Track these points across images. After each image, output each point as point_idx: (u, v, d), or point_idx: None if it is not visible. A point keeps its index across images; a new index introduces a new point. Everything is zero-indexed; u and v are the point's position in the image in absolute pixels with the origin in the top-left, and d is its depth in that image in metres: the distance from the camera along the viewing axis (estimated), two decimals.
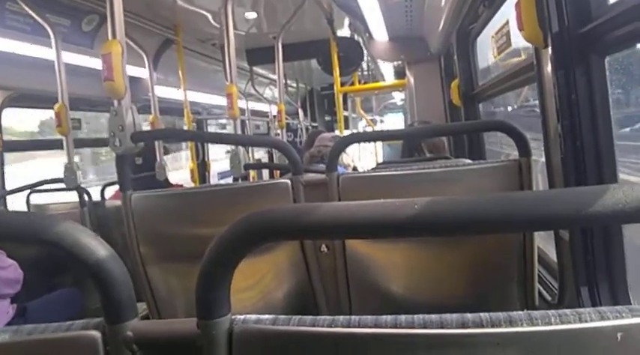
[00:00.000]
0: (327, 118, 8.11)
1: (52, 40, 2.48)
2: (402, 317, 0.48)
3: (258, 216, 0.49)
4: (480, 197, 0.44)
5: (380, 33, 3.86)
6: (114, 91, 1.56)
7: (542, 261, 1.65)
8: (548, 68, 1.33)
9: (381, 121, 10.34)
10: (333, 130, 6.82)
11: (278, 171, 4.20)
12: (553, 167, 1.39)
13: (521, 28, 1.40)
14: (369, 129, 8.62)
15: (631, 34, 1.10)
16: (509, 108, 3.62)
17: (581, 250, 1.25)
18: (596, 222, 0.42)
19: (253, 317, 0.51)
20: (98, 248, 0.52)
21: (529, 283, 1.38)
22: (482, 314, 0.47)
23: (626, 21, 1.09)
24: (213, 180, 5.48)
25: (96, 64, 3.04)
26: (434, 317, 0.47)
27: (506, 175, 1.40)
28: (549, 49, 1.30)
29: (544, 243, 1.67)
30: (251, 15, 3.86)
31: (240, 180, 2.80)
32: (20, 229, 0.52)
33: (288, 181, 1.46)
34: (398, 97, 9.00)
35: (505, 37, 2.10)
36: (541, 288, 1.52)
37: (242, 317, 0.52)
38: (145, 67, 3.55)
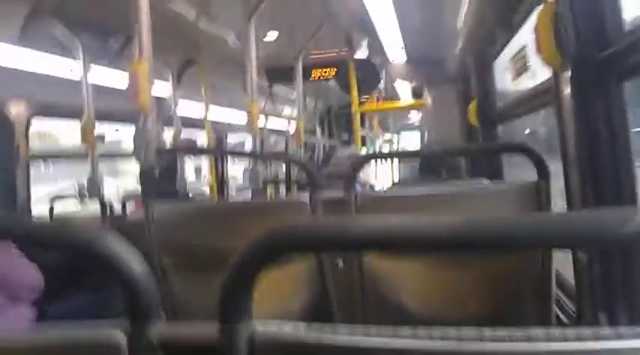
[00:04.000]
0: (345, 137, 8.15)
1: (80, 55, 2.57)
2: (421, 330, 0.49)
3: (283, 230, 0.51)
4: (503, 216, 0.45)
5: (397, 54, 3.91)
6: (140, 108, 1.61)
7: (560, 283, 1.64)
8: (567, 91, 1.34)
9: (398, 141, 10.34)
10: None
11: (295, 187, 4.22)
12: (571, 190, 1.39)
13: (539, 51, 1.42)
14: (385, 147, 8.64)
15: None
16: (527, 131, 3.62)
17: (599, 274, 1.25)
18: (615, 243, 0.43)
19: (274, 323, 0.53)
20: (121, 249, 0.54)
21: (546, 304, 1.37)
22: (500, 329, 0.48)
23: None
24: (232, 195, 5.52)
25: (120, 82, 3.13)
26: (452, 331, 0.48)
27: (524, 197, 1.40)
28: (567, 73, 1.31)
29: (561, 264, 1.66)
30: (271, 36, 3.94)
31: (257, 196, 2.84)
32: (46, 234, 0.54)
33: (307, 199, 1.48)
34: (414, 117, 9.02)
35: (523, 60, 2.12)
36: (558, 311, 1.51)
37: (264, 322, 0.53)
38: (168, 86, 3.64)
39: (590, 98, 1.26)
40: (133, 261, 0.54)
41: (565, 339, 0.46)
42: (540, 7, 1.42)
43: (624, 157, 1.25)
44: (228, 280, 0.51)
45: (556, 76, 1.39)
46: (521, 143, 1.52)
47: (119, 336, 0.55)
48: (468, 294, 1.40)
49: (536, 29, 1.40)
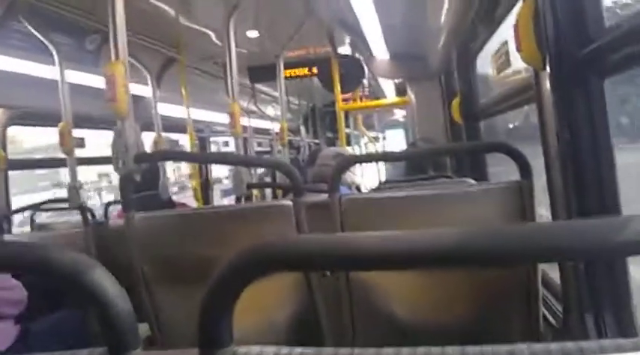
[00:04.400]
0: (329, 135, 8.15)
1: (56, 59, 2.51)
2: (404, 350, 0.48)
3: (260, 248, 0.49)
4: (488, 229, 0.44)
5: (380, 51, 3.90)
6: (117, 112, 1.57)
7: (547, 284, 1.65)
8: (547, 89, 1.34)
9: (384, 138, 10.37)
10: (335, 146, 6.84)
11: (281, 190, 4.21)
12: (554, 187, 1.39)
13: (519, 50, 1.41)
14: (370, 145, 8.66)
15: (628, 57, 1.11)
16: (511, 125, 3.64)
17: (585, 278, 1.25)
18: (604, 254, 0.42)
19: (256, 349, 0.52)
20: (103, 282, 0.52)
21: (533, 308, 1.37)
22: (484, 347, 0.47)
23: (623, 44, 1.10)
24: (216, 197, 5.49)
25: (99, 82, 3.08)
26: (435, 350, 0.47)
27: (507, 197, 1.40)
28: (547, 71, 1.31)
29: (548, 266, 1.66)
30: (253, 33, 3.90)
31: (242, 199, 2.81)
32: (24, 260, 0.52)
33: (291, 203, 1.46)
34: (399, 114, 9.04)
35: (504, 56, 2.12)
36: (545, 312, 1.51)
37: (245, 348, 0.52)
38: (147, 85, 3.59)
39: (570, 96, 1.26)
40: (113, 292, 0.52)
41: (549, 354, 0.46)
42: (520, 4, 1.42)
43: (605, 154, 1.25)
44: (206, 304, 0.49)
45: (536, 73, 1.39)
46: (503, 143, 1.51)
47: None
48: (455, 299, 1.40)
49: (516, 27, 1.39)
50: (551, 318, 1.52)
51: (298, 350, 0.50)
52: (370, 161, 1.75)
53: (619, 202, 1.24)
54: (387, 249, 0.46)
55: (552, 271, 1.63)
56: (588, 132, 1.25)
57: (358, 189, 2.80)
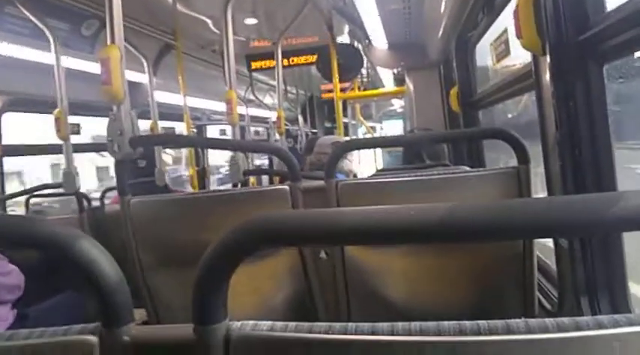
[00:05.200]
0: (327, 125, 8.13)
1: (52, 45, 2.49)
2: (399, 325, 0.47)
3: (254, 223, 0.49)
4: (479, 204, 0.44)
5: (379, 40, 3.88)
6: (112, 96, 1.56)
7: (542, 268, 1.65)
8: (547, 76, 1.33)
9: (381, 128, 10.36)
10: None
11: (278, 178, 4.21)
12: (552, 174, 1.39)
13: (519, 36, 1.40)
14: (368, 135, 8.64)
15: (628, 42, 1.10)
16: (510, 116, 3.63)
17: (580, 259, 1.25)
18: (598, 230, 0.42)
19: (250, 323, 0.51)
20: (94, 252, 0.52)
21: (528, 291, 1.38)
22: (480, 321, 0.47)
23: (622, 29, 1.09)
24: (213, 185, 5.48)
25: (96, 68, 3.05)
26: (431, 324, 0.47)
27: (504, 182, 1.40)
28: (547, 57, 1.30)
29: (544, 250, 1.66)
30: (251, 21, 3.88)
31: (239, 186, 2.81)
32: (16, 232, 0.52)
33: (287, 187, 1.45)
34: (397, 104, 9.03)
35: (504, 44, 2.10)
36: (540, 296, 1.52)
37: (239, 323, 0.51)
38: (144, 72, 3.56)
39: (570, 81, 1.25)
40: (105, 263, 0.52)
41: (545, 330, 0.46)
42: None
43: (604, 140, 1.24)
44: (199, 280, 0.49)
45: (536, 60, 1.38)
46: (500, 129, 1.51)
47: (92, 340, 0.53)
48: (451, 281, 1.40)
49: (516, 13, 1.38)
50: (546, 303, 1.52)
51: (292, 324, 0.50)
52: (367, 147, 1.75)
53: (617, 188, 1.23)
54: (380, 222, 0.46)
55: (549, 258, 1.63)
56: (587, 118, 1.24)
57: (355, 176, 2.79)
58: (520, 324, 0.46)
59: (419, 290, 1.43)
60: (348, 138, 5.52)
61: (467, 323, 0.46)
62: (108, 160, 2.58)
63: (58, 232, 0.52)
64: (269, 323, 0.51)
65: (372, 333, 0.48)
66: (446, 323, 0.47)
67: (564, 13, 1.27)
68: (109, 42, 1.60)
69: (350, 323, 0.49)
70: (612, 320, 0.45)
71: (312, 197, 1.48)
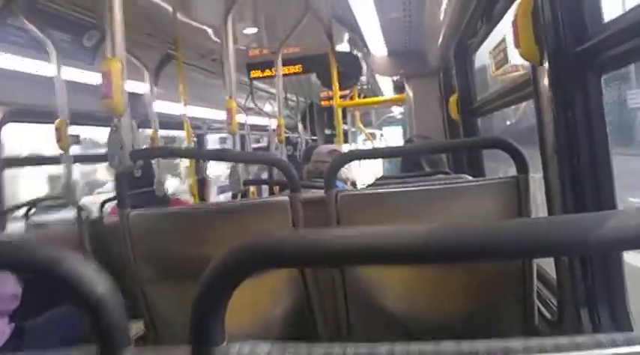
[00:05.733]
0: (327, 132, 8.14)
1: (53, 56, 2.50)
2: (398, 346, 0.47)
3: (254, 244, 0.48)
4: (479, 225, 0.44)
5: (379, 48, 3.89)
6: (113, 109, 1.56)
7: (542, 278, 1.64)
8: (545, 85, 1.33)
9: (381, 135, 10.37)
10: (332, 144, 6.84)
11: (278, 186, 4.21)
12: (551, 183, 1.39)
13: (517, 45, 1.41)
14: (368, 142, 8.65)
15: (626, 53, 1.11)
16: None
17: (580, 272, 1.25)
18: (597, 249, 0.42)
19: (248, 346, 0.51)
20: (85, 271, 0.51)
21: (528, 302, 1.37)
22: (478, 342, 0.47)
23: (620, 40, 1.09)
24: (213, 194, 5.48)
25: (96, 78, 3.07)
26: (430, 346, 0.47)
27: (504, 192, 1.40)
28: (546, 67, 1.31)
29: (543, 259, 1.66)
30: (251, 30, 3.89)
31: (239, 196, 2.81)
32: (9, 259, 0.51)
33: (287, 199, 1.45)
34: (397, 111, 9.04)
35: (503, 53, 2.11)
36: (540, 306, 1.51)
37: (237, 345, 0.51)
38: (145, 82, 3.58)
39: (568, 91, 1.26)
40: (98, 285, 0.51)
41: (543, 350, 0.46)
42: (519, 1, 1.41)
43: (602, 149, 1.25)
44: (197, 301, 0.49)
45: (534, 69, 1.38)
46: (499, 138, 1.51)
47: None
48: (451, 293, 1.40)
49: (515, 23, 1.39)
50: (546, 313, 1.52)
51: (291, 346, 0.50)
52: (366, 157, 1.75)
53: (615, 198, 1.23)
54: (380, 244, 0.46)
55: (549, 266, 1.62)
56: (586, 127, 1.24)
57: (354, 185, 2.79)
58: (519, 345, 0.45)
59: (418, 301, 1.43)
60: (347, 147, 5.54)
61: (465, 345, 0.46)
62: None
63: (42, 254, 0.51)
64: (267, 344, 0.51)
65: (372, 354, 0.47)
66: (444, 344, 0.47)
67: (562, 24, 1.27)
68: (110, 54, 1.61)
69: (349, 345, 0.48)
70: (611, 339, 0.45)
71: (312, 208, 1.48)
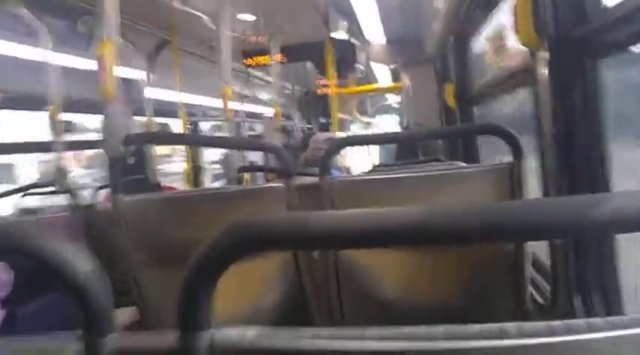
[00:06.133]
0: (323, 120, 8.12)
1: (46, 42, 2.47)
2: (389, 330, 0.47)
3: (242, 226, 0.47)
4: (470, 206, 0.43)
5: (376, 35, 3.87)
6: (105, 94, 1.55)
7: (536, 263, 1.65)
8: (544, 71, 1.32)
9: (377, 124, 10.35)
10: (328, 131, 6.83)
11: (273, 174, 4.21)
12: (547, 171, 1.38)
13: (517, 31, 1.40)
14: (364, 130, 8.65)
15: (625, 38, 1.10)
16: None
17: (574, 257, 1.25)
18: (589, 231, 0.42)
19: (235, 331, 0.50)
20: (70, 255, 0.51)
21: (521, 287, 1.37)
22: (472, 326, 0.46)
23: (620, 25, 1.09)
24: (207, 183, 5.47)
25: (90, 65, 3.04)
26: (422, 330, 0.46)
27: (499, 178, 1.39)
28: (544, 53, 1.30)
29: (537, 244, 1.66)
30: (247, 17, 3.86)
31: (234, 184, 2.80)
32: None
33: (282, 185, 1.45)
34: (392, 99, 9.02)
35: (500, 40, 2.10)
36: (533, 291, 1.52)
37: (224, 330, 0.50)
38: (140, 69, 3.55)
39: (567, 77, 1.26)
40: (85, 269, 0.51)
41: (537, 334, 0.45)
42: None
43: (600, 136, 1.24)
44: (184, 286, 0.48)
45: (533, 56, 1.37)
46: (494, 124, 1.50)
47: (73, 348, 0.52)
48: (444, 277, 1.40)
49: (514, 9, 1.38)
50: (539, 299, 1.52)
51: (280, 331, 0.49)
52: (362, 144, 1.74)
53: (610, 182, 1.24)
54: (372, 226, 0.45)
55: (543, 253, 1.63)
56: (584, 113, 1.24)
57: (349, 172, 2.79)
58: (512, 328, 0.45)
59: (412, 286, 1.43)
60: (342, 135, 5.53)
61: (458, 328, 0.46)
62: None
63: (27, 237, 0.51)
64: (254, 331, 0.50)
65: (361, 338, 0.47)
66: (436, 328, 0.46)
67: (562, 9, 1.27)
68: (104, 38, 1.58)
69: (339, 330, 0.48)
70: (606, 322, 0.45)
71: (307, 194, 1.47)
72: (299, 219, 0.46)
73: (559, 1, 1.27)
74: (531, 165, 1.41)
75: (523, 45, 1.39)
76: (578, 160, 1.26)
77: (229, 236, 0.46)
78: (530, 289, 1.42)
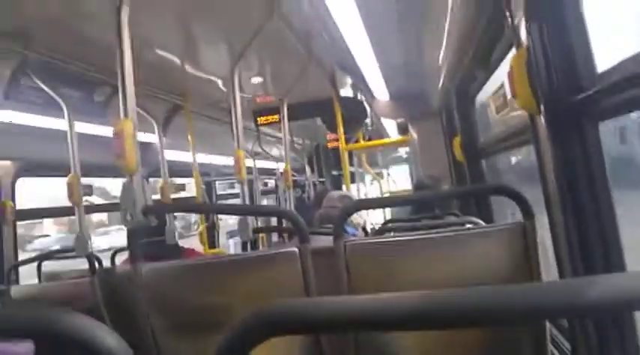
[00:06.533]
0: (334, 173, 8.19)
1: (65, 112, 2.57)
2: None
3: (265, 311, 0.51)
4: (487, 289, 0.46)
5: (381, 92, 3.97)
6: (126, 168, 1.61)
7: (555, 342, 1.64)
8: (544, 132, 1.37)
9: (388, 174, 10.40)
10: (340, 184, 6.88)
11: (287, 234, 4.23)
12: (556, 228, 1.40)
13: (514, 95, 1.45)
14: (375, 182, 8.69)
15: (621, 102, 1.14)
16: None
17: (594, 336, 1.25)
18: (609, 310, 0.44)
19: None
20: (101, 336, 0.53)
21: None
22: None
23: (615, 90, 1.13)
24: (222, 240, 5.50)
25: (108, 132, 3.14)
26: None
27: (511, 238, 1.41)
28: (543, 116, 1.35)
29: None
30: (257, 79, 3.99)
31: (249, 242, 2.83)
32: (21, 326, 0.54)
33: (296, 250, 1.48)
34: (402, 150, 9.10)
35: (502, 98, 2.16)
36: None
37: None
38: (154, 133, 3.66)
39: (566, 140, 1.29)
40: (109, 341, 0.53)
41: None
42: (513, 51, 1.46)
43: (604, 196, 1.27)
44: None
45: (532, 118, 1.42)
46: (504, 186, 1.54)
47: None
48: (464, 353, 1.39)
49: (510, 73, 1.44)
50: None
51: None
52: (375, 207, 1.77)
53: (620, 240, 1.25)
54: (392, 310, 0.48)
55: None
56: (585, 174, 1.27)
57: (364, 228, 2.82)
58: None
59: None
60: (354, 188, 5.56)
61: None
62: None
63: (75, 326, 0.53)
64: None
65: None
66: None
67: (557, 74, 1.32)
68: (122, 115, 1.66)
69: None
70: None
71: (322, 257, 1.50)
72: (323, 303, 0.49)
73: (553, 66, 1.32)
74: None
75: (521, 108, 1.44)
76: (585, 217, 1.28)
77: (255, 320, 0.49)
78: None
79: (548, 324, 1.36)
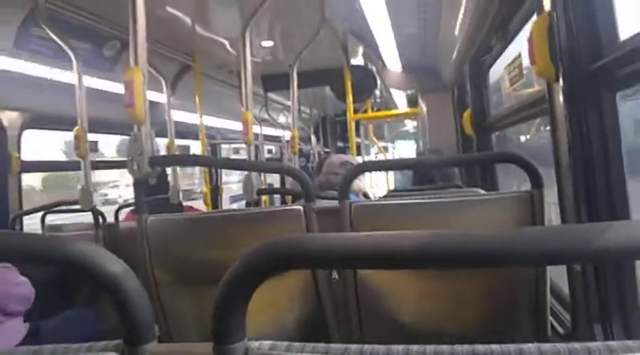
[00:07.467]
0: (340, 144, 8.17)
1: (74, 64, 2.55)
2: (414, 347, 0.49)
3: (277, 245, 0.50)
4: (492, 231, 0.45)
5: (394, 62, 3.92)
6: (135, 118, 1.60)
7: (555, 292, 1.64)
8: (560, 102, 1.34)
9: (393, 148, 10.37)
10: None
11: (290, 197, 4.23)
12: (565, 199, 1.39)
13: (533, 62, 1.42)
14: (380, 156, 8.67)
15: None
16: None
17: (594, 284, 1.25)
18: (609, 257, 0.43)
19: (268, 343, 0.53)
20: (118, 269, 0.53)
21: (541, 315, 1.37)
22: (493, 346, 0.48)
23: (635, 58, 1.11)
24: (225, 203, 5.52)
25: (116, 88, 3.13)
26: (445, 348, 0.48)
27: (517, 206, 1.40)
28: (561, 84, 1.32)
29: (557, 273, 1.66)
30: (267, 43, 3.94)
31: (252, 205, 2.83)
32: (40, 250, 0.53)
33: (301, 208, 1.47)
34: (410, 125, 9.05)
35: (518, 69, 2.13)
36: (553, 320, 1.51)
37: (257, 342, 0.53)
38: (162, 92, 3.64)
39: (583, 108, 1.27)
40: (129, 281, 0.53)
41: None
42: (534, 18, 1.43)
43: (617, 167, 1.25)
44: (220, 300, 0.50)
45: (549, 86, 1.39)
46: (512, 153, 1.52)
47: None
48: (463, 303, 1.40)
49: (530, 40, 1.40)
50: (558, 327, 1.51)
51: (309, 345, 0.51)
52: (379, 169, 1.76)
53: (629, 212, 1.24)
54: (395, 247, 0.47)
55: (563, 281, 1.62)
56: (600, 144, 1.25)
57: (366, 196, 2.80)
58: (532, 349, 0.46)
59: (430, 311, 1.43)
60: (359, 159, 5.55)
61: (480, 347, 0.47)
62: None
63: (83, 250, 0.53)
64: (286, 343, 0.52)
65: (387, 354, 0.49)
66: (459, 347, 0.48)
67: (578, 42, 1.28)
68: (132, 64, 1.64)
69: (365, 346, 0.50)
70: (624, 346, 0.46)
71: (326, 217, 1.50)
72: (337, 239, 0.49)
73: (574, 33, 1.29)
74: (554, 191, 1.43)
75: (539, 76, 1.42)
76: (596, 189, 1.27)
77: (266, 252, 0.49)
78: (550, 318, 1.42)
79: (548, 284, 1.36)
